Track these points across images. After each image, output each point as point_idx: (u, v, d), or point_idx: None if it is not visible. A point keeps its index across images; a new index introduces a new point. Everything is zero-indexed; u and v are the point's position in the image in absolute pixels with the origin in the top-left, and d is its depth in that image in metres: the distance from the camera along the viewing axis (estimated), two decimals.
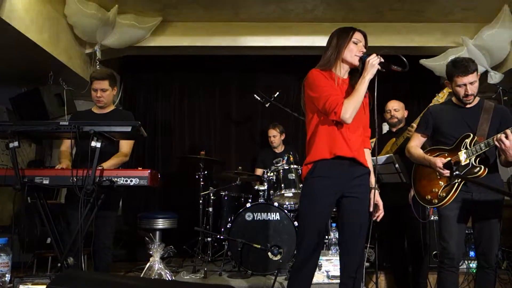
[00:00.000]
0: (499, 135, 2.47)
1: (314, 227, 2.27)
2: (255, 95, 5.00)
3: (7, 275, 2.34)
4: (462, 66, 2.66)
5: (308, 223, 2.30)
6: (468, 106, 2.75)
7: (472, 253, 4.08)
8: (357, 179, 2.29)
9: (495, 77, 4.74)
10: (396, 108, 3.84)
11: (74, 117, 3.41)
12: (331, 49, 2.35)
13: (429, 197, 2.78)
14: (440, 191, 2.72)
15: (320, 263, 3.72)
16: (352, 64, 2.34)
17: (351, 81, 2.37)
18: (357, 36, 2.34)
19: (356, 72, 2.36)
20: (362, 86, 2.21)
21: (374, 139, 4.42)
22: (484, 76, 4.72)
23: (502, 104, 4.13)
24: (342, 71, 2.37)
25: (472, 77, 2.65)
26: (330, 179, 2.25)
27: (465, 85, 2.66)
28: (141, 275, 3.08)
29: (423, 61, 4.94)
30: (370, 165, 2.39)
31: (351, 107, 2.18)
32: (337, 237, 3.69)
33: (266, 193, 4.32)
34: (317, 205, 2.27)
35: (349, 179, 2.28)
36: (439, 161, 2.68)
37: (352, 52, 2.30)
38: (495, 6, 4.41)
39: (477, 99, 2.77)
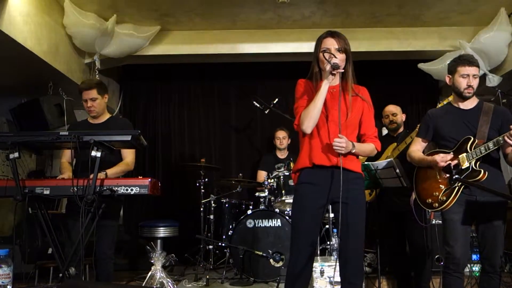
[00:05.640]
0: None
1: (303, 231, 2.31)
2: (254, 102, 5.01)
3: (8, 287, 2.33)
4: (467, 58, 2.73)
5: (298, 227, 2.35)
6: (467, 108, 2.74)
7: (474, 257, 4.06)
8: (344, 184, 2.27)
9: (493, 80, 4.75)
10: (394, 113, 3.84)
11: (71, 128, 3.41)
12: (313, 61, 2.40)
13: (430, 200, 2.76)
14: (440, 195, 2.69)
15: (322, 269, 3.71)
16: (330, 72, 2.35)
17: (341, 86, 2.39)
18: (326, 43, 2.33)
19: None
20: (317, 96, 2.26)
21: None
22: (482, 79, 4.73)
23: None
24: (330, 78, 2.38)
25: (475, 70, 2.69)
26: (314, 185, 2.31)
27: (468, 75, 2.68)
28: (143, 284, 3.07)
29: (421, 65, 4.96)
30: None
31: (306, 118, 2.28)
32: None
33: (267, 199, 4.31)
34: (304, 210, 2.33)
35: (335, 185, 2.28)
36: (439, 158, 2.64)
37: (323, 62, 2.31)
38: (492, 10, 4.44)
39: (476, 100, 2.76)
